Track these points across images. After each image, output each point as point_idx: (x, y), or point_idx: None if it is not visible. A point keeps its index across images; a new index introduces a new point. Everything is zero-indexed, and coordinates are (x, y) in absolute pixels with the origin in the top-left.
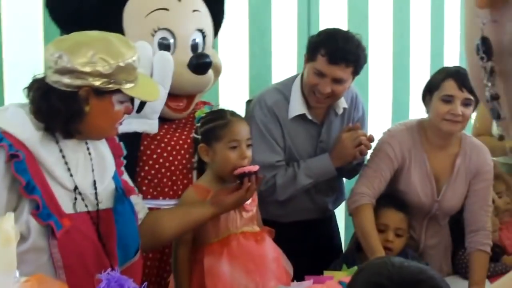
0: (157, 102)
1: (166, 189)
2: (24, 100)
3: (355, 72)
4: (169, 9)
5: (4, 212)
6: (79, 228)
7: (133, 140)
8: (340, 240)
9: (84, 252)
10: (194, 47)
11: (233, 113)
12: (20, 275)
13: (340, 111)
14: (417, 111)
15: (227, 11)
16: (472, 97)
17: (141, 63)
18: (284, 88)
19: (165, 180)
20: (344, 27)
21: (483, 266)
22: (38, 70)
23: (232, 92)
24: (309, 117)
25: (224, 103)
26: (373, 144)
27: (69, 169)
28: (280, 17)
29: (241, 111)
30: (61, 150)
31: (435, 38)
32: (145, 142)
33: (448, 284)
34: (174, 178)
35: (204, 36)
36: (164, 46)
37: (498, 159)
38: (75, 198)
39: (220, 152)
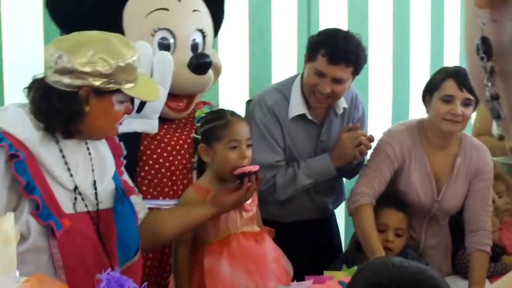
0: (157, 102)
1: (166, 189)
2: (24, 100)
3: (355, 72)
4: (169, 9)
5: (4, 212)
6: (79, 228)
7: (133, 140)
8: (340, 240)
9: (84, 252)
10: (194, 47)
11: (233, 113)
12: (20, 275)
13: (340, 111)
14: (417, 111)
15: (227, 11)
16: (472, 97)
17: (141, 63)
18: (284, 88)
19: (165, 180)
20: (344, 27)
21: (483, 266)
22: (38, 70)
23: (232, 92)
24: (309, 117)
25: (224, 103)
26: (373, 144)
27: (69, 169)
28: (280, 17)
29: (241, 111)
30: (61, 150)
31: (435, 38)
32: (145, 142)
33: (448, 284)
34: (174, 178)
35: (204, 36)
36: (164, 46)
37: (498, 159)
38: (75, 198)
39: (220, 152)
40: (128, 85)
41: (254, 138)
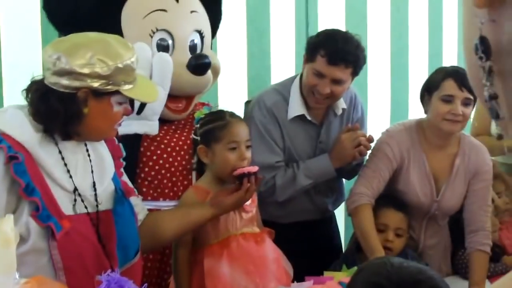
0: (157, 103)
1: (166, 190)
2: (23, 101)
3: (355, 73)
4: (167, 10)
5: (3, 214)
6: (78, 230)
7: (133, 141)
8: (340, 241)
9: (84, 253)
10: (193, 48)
11: (232, 114)
12: (20, 276)
13: (339, 112)
14: (416, 111)
15: (225, 12)
16: (471, 97)
17: (140, 64)
18: (283, 89)
19: (165, 181)
20: (342, 28)
21: (483, 266)
22: (37, 71)
23: (231, 93)
24: (308, 117)
25: (223, 104)
26: (372, 145)
27: (68, 171)
28: (278, 18)
29: (240, 112)
30: (60, 152)
31: (433, 38)
32: (145, 144)
33: (448, 284)
34: (174, 179)
35: (202, 37)
36: (162, 47)
37: (497, 158)
38: (75, 200)
39: (219, 153)
40: (127, 87)
41: (253, 139)
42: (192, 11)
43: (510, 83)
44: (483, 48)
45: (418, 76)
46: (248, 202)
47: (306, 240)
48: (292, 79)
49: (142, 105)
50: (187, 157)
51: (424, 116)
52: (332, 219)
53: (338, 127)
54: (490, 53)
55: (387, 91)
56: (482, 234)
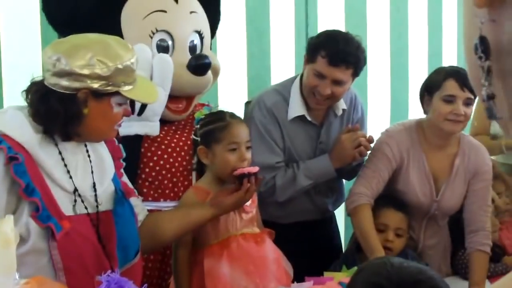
0: (158, 104)
1: (167, 191)
2: (23, 102)
3: (355, 74)
4: (166, 11)
5: (3, 215)
6: (79, 230)
7: (134, 142)
8: (340, 241)
9: (84, 254)
10: (192, 48)
11: (232, 115)
12: (20, 277)
13: (340, 112)
14: (416, 111)
15: (225, 13)
16: (473, 97)
17: (141, 65)
18: (283, 89)
19: (165, 182)
20: (342, 28)
21: (483, 266)
22: (37, 72)
23: (231, 93)
24: (309, 118)
25: (223, 105)
26: (372, 145)
27: (68, 171)
28: (278, 18)
29: (240, 113)
30: (60, 153)
31: (433, 38)
32: (146, 144)
33: (448, 284)
34: (174, 179)
35: (201, 38)
36: (162, 48)
37: (497, 159)
38: (75, 200)
39: (220, 154)
40: (127, 87)
41: (254, 140)
42: (191, 12)
43: (510, 83)
44: (483, 47)
45: (418, 76)
46: (248, 203)
47: (306, 240)
48: (292, 80)
49: (143, 106)
50: (187, 157)
51: (424, 116)
52: (332, 219)
53: (338, 127)
54: (490, 53)
55: (387, 91)
56: (482, 234)
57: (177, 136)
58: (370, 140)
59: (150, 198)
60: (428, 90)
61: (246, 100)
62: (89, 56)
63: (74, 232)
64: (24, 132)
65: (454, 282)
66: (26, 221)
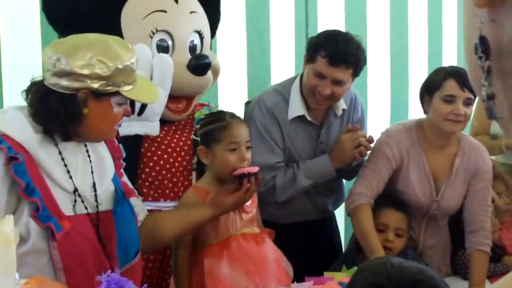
0: (158, 104)
1: (167, 191)
2: (23, 102)
3: (355, 74)
4: (166, 11)
5: (3, 215)
6: (79, 230)
7: (134, 142)
8: (340, 241)
9: (84, 254)
10: (192, 48)
11: (232, 115)
12: (20, 277)
13: (340, 112)
14: (416, 111)
15: (225, 13)
16: (473, 97)
17: (141, 65)
18: (283, 89)
19: (165, 182)
20: (342, 28)
21: (483, 266)
22: (37, 72)
23: (231, 93)
24: (309, 118)
25: (223, 105)
26: (372, 145)
27: (68, 171)
28: (278, 18)
29: (240, 113)
30: (60, 153)
31: (433, 38)
32: (146, 145)
33: (448, 284)
34: (174, 179)
35: (201, 38)
36: (162, 48)
37: (497, 159)
38: (75, 200)
39: (220, 154)
40: (127, 87)
41: (254, 140)
42: (191, 12)
43: (510, 83)
44: (483, 47)
45: (418, 76)
46: (248, 203)
47: (306, 240)
48: (292, 80)
49: (143, 106)
50: (187, 157)
51: (424, 116)
52: (332, 220)
53: (338, 127)
54: (489, 53)
55: (387, 91)
56: (482, 234)
57: (177, 136)
58: (370, 140)
59: (150, 198)
60: (428, 90)
61: (246, 100)
62: (89, 56)
63: (74, 232)
64: (24, 132)
65: (454, 282)
66: (26, 221)
